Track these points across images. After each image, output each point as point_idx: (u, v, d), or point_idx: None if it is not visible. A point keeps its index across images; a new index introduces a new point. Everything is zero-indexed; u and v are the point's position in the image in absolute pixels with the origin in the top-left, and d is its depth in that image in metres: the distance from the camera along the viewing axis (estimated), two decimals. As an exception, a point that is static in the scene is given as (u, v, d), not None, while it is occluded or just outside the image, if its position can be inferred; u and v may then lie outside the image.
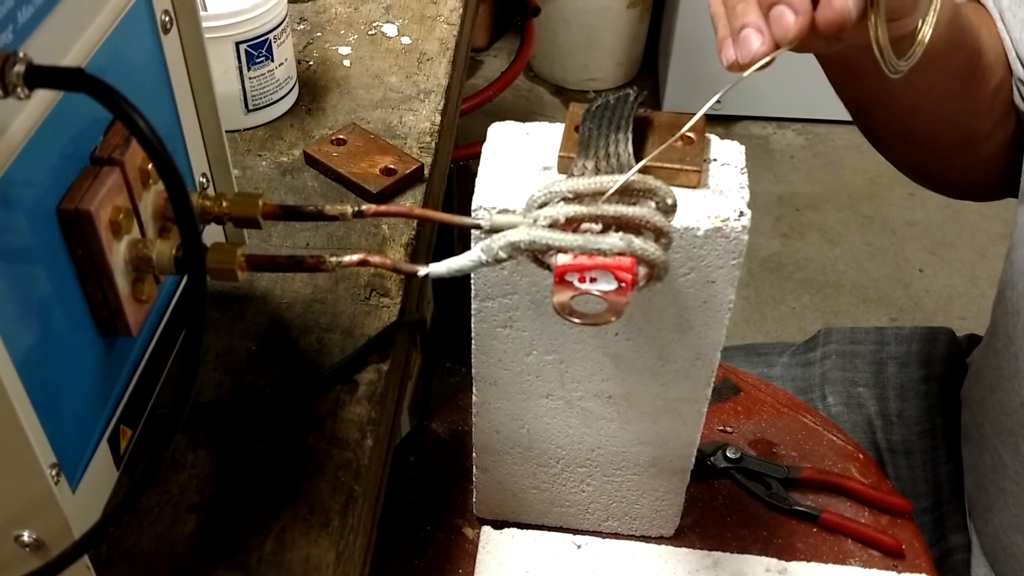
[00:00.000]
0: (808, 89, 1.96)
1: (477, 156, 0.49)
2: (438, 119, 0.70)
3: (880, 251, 1.85)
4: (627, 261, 0.38)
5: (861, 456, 0.70)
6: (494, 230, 0.41)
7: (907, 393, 0.81)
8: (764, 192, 1.93)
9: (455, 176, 1.42)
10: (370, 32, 0.79)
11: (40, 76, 0.30)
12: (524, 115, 0.51)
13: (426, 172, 0.65)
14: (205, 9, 0.65)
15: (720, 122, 2.05)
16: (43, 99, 0.35)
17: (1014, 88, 0.65)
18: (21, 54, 0.30)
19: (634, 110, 0.46)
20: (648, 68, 2.25)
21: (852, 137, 2.08)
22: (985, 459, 0.72)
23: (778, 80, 1.99)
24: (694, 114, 0.45)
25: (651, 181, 0.40)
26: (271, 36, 0.66)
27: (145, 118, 0.30)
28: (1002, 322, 0.68)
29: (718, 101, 0.43)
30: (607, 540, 0.63)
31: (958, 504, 0.77)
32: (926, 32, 0.50)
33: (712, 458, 0.68)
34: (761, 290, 1.75)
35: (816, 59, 0.61)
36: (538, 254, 0.40)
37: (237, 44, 0.65)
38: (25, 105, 0.33)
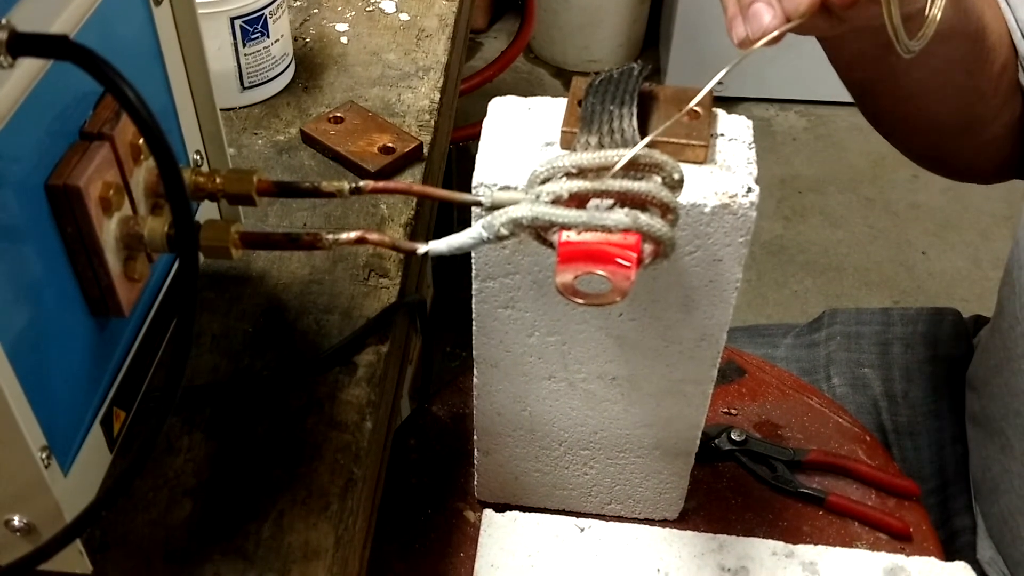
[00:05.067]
0: (810, 71, 1.95)
1: (477, 137, 0.48)
2: (437, 97, 0.69)
3: (883, 234, 1.83)
4: (632, 239, 0.37)
5: (867, 438, 0.70)
6: (495, 207, 0.40)
7: (913, 374, 0.81)
8: (766, 174, 1.91)
9: (455, 157, 1.40)
10: (368, 8, 0.78)
11: (24, 44, 0.29)
12: (524, 97, 0.50)
13: (425, 151, 0.64)
14: (199, -16, 0.64)
15: (722, 104, 2.00)
16: (29, 70, 0.33)
17: (1019, 68, 0.64)
18: (4, 21, 0.29)
19: (639, 84, 0.45)
20: (650, 49, 2.23)
21: (855, 119, 2.06)
22: (992, 441, 0.72)
23: (780, 62, 1.97)
24: (699, 88, 0.44)
25: (657, 155, 0.39)
26: (266, 12, 0.65)
27: (133, 87, 0.29)
28: (1008, 303, 0.68)
29: (719, 83, 0.42)
30: (610, 523, 0.62)
31: (963, 486, 0.77)
32: (936, 13, 0.49)
33: (717, 440, 0.67)
34: (763, 273, 1.74)
35: (819, 43, 0.60)
36: (540, 231, 0.39)
37: (232, 20, 0.64)
38: (10, 75, 0.32)
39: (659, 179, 0.39)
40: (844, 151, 2.01)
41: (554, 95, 0.49)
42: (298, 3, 0.78)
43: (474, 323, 0.52)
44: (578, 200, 0.39)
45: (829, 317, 0.85)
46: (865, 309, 0.85)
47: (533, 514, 0.62)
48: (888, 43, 0.46)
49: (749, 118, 0.48)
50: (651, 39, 2.23)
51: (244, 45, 0.65)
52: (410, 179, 0.63)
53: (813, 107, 2.09)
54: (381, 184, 0.42)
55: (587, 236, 0.38)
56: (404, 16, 0.77)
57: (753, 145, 0.46)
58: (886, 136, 0.72)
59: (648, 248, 0.38)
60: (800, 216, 1.87)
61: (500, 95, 0.50)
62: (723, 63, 0.42)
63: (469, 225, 0.41)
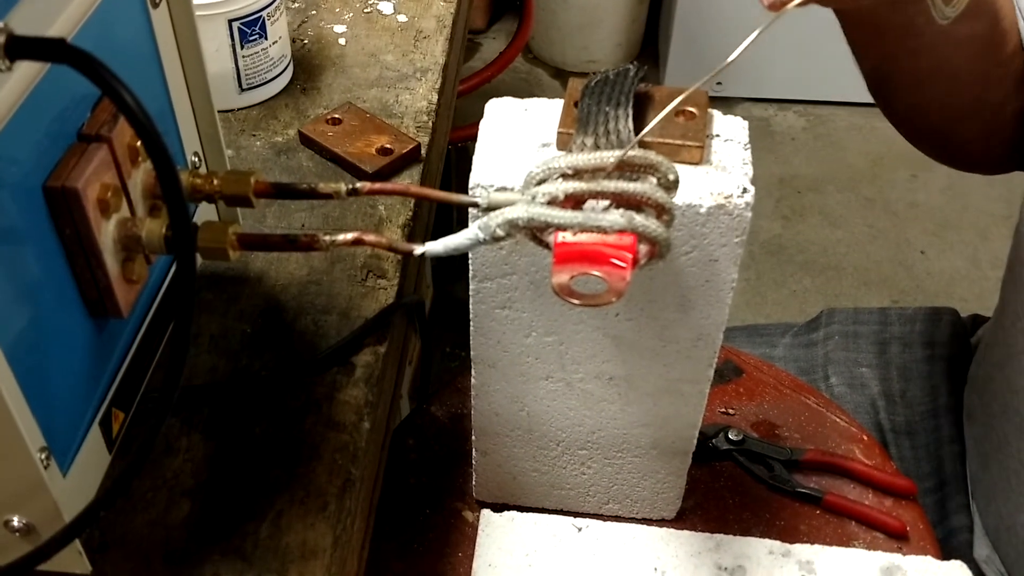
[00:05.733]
0: (810, 70, 1.95)
1: (475, 138, 0.48)
2: (435, 98, 0.69)
3: (882, 233, 1.84)
4: (628, 239, 0.38)
5: (865, 437, 0.70)
6: (492, 208, 0.40)
7: (910, 373, 0.81)
8: (765, 174, 1.92)
9: (453, 158, 1.40)
10: (366, 10, 0.78)
11: (21, 47, 0.29)
12: (523, 97, 0.50)
13: (423, 152, 0.64)
14: (197, -14, 0.64)
15: (721, 104, 2.03)
16: (26, 73, 0.34)
17: None
18: (1, 24, 0.29)
19: (634, 85, 0.45)
20: (649, 49, 2.23)
21: (854, 119, 2.06)
22: (990, 439, 0.72)
23: (779, 61, 1.97)
24: (697, 89, 0.44)
25: (652, 156, 0.39)
26: (264, 13, 0.65)
27: (130, 90, 0.29)
28: (1011, 299, 0.68)
29: (716, 80, 0.42)
30: (608, 523, 0.62)
31: (960, 485, 0.77)
32: None
33: (714, 440, 0.67)
34: (762, 273, 1.74)
35: (839, 19, 0.60)
36: (537, 232, 0.40)
37: (230, 21, 0.64)
38: (7, 78, 0.32)
39: (654, 180, 0.39)
40: (843, 151, 2.01)
41: (553, 96, 0.49)
42: (296, 5, 0.78)
43: (472, 323, 0.52)
44: (574, 201, 0.39)
45: (827, 317, 0.85)
46: (863, 309, 0.85)
47: (531, 514, 0.62)
48: (906, 22, 0.46)
49: (748, 118, 0.48)
50: (650, 39, 2.23)
51: (242, 47, 0.65)
52: (408, 180, 0.63)
53: (812, 107, 2.09)
54: (378, 185, 0.42)
55: (583, 237, 0.38)
56: (402, 17, 0.77)
57: (749, 146, 0.47)
58: (895, 122, 0.72)
59: (644, 249, 0.38)
60: (799, 216, 1.87)
61: (499, 96, 0.50)
62: (722, 63, 0.42)
63: (468, 226, 0.41)
